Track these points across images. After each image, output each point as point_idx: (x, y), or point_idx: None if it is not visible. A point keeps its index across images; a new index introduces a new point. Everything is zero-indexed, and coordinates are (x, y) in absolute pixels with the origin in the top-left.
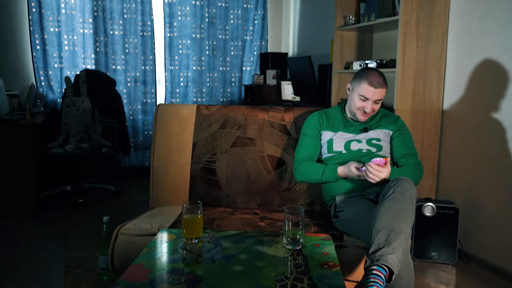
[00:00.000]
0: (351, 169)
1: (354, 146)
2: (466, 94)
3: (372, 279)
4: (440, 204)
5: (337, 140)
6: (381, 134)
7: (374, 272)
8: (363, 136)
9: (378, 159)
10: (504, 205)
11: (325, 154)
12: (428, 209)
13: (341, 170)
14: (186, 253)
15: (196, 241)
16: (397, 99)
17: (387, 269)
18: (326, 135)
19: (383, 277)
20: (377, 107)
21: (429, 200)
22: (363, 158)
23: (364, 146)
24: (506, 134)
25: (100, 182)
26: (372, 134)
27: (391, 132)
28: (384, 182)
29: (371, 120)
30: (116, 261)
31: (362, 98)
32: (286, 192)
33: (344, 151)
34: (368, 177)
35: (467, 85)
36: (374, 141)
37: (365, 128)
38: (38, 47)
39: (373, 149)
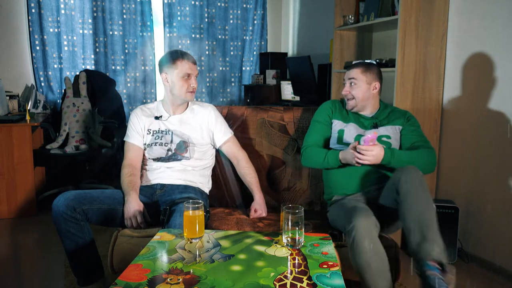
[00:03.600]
0: (348, 150)
1: None
2: (465, 93)
3: (436, 282)
4: (440, 204)
5: (347, 132)
6: (391, 131)
7: (431, 274)
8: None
9: (369, 135)
10: (504, 204)
11: (334, 145)
12: None
13: (342, 155)
14: (185, 253)
15: (196, 240)
16: (396, 98)
17: (437, 264)
18: (337, 124)
19: (439, 275)
20: (354, 90)
21: None
22: None
23: None
24: (506, 133)
25: (100, 182)
26: (382, 131)
27: (400, 128)
28: (377, 166)
29: (379, 115)
30: (116, 262)
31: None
32: (285, 192)
33: None
34: (359, 158)
35: (466, 84)
36: (384, 138)
37: (375, 124)
38: (37, 48)
39: (383, 146)
